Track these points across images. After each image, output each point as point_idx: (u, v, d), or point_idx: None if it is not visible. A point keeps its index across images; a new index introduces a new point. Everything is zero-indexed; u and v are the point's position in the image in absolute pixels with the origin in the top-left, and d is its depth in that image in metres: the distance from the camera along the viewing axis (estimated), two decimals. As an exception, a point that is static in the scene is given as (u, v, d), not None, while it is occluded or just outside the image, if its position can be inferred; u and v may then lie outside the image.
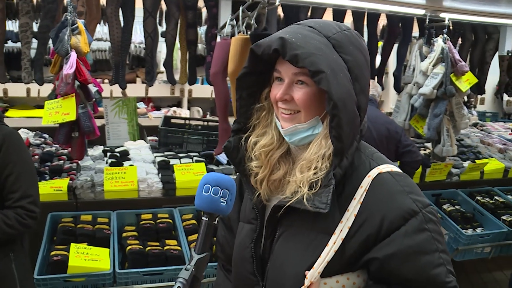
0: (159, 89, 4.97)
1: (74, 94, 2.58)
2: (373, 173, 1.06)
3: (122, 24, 3.43)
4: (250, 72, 1.12)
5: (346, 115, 1.00)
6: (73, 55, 2.55)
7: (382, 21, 4.40)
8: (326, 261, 1.03)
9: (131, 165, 3.33)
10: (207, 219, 1.03)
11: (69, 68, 2.50)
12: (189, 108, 5.86)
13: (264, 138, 1.14)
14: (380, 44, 4.27)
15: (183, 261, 2.59)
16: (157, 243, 2.75)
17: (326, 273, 1.05)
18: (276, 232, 1.13)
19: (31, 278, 2.05)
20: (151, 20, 3.38)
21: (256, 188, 1.15)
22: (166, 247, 2.69)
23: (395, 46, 4.21)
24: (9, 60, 4.59)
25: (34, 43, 3.25)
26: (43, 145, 3.63)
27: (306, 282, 1.04)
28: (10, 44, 5.05)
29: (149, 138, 4.10)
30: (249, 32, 2.87)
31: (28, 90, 3.43)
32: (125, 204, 3.04)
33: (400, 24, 4.06)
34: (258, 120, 1.16)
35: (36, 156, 3.41)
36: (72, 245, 2.55)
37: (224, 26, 3.10)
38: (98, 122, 4.27)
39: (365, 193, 1.04)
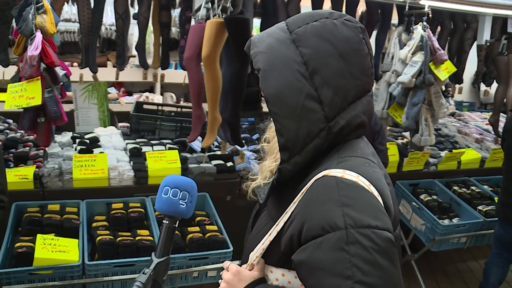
0: (131, 74, 4.88)
1: (39, 77, 2.50)
2: (320, 174, 0.98)
3: (92, 4, 3.32)
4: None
5: (284, 110, 1.00)
6: (39, 36, 2.45)
7: (361, 8, 4.39)
8: (262, 248, 1.06)
9: (101, 152, 3.26)
10: (167, 222, 1.03)
11: (34, 50, 2.41)
12: (162, 94, 5.78)
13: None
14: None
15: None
16: (129, 233, 2.70)
17: (269, 260, 1.07)
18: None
19: None
20: (122, 1, 3.29)
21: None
22: (137, 238, 2.65)
23: (374, 33, 4.21)
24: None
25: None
26: (7, 131, 3.52)
27: (248, 262, 1.10)
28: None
29: (120, 124, 4.02)
30: (224, 16, 2.81)
31: (-1, 72, 3.32)
32: (95, 193, 2.98)
33: (379, 11, 4.05)
34: None
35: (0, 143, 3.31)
36: (39, 236, 2.48)
37: (199, 9, 3.04)
38: (67, 107, 4.17)
39: (305, 191, 0.99)
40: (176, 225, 1.05)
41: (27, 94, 2.48)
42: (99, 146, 3.41)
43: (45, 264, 2.34)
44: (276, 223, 1.04)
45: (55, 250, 2.41)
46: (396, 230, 1.04)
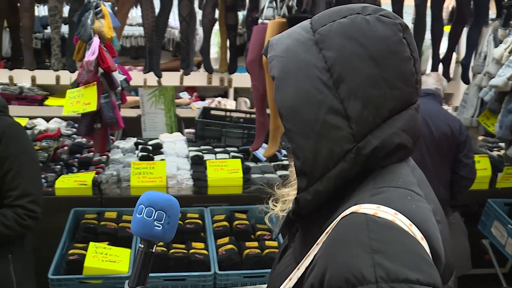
0: (198, 78, 4.96)
1: (96, 82, 2.59)
2: (349, 210, 0.83)
3: (157, 8, 3.41)
4: None
5: (300, 126, 0.87)
6: (96, 41, 2.54)
7: (451, 2, 4.12)
8: None
9: (162, 159, 3.33)
10: (143, 246, 0.95)
11: (90, 55, 2.50)
12: (235, 99, 5.82)
13: None
14: (448, 28, 4.00)
15: (208, 267, 2.54)
16: (183, 246, 2.71)
17: None
18: None
19: (32, 280, 2.06)
20: (186, 3, 3.34)
21: None
22: (191, 250, 2.65)
23: (465, 30, 3.93)
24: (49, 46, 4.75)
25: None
26: (74, 136, 3.71)
27: None
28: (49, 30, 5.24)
29: (187, 130, 4.08)
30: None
31: (57, 78, 3.50)
32: (153, 202, 3.03)
33: (471, 4, 3.77)
34: None
35: (66, 147, 3.49)
36: (91, 244, 2.56)
37: (264, 9, 3.01)
38: (134, 113, 4.34)
39: (330, 231, 0.84)
40: (154, 250, 0.97)
41: (83, 100, 2.59)
42: (161, 153, 3.48)
43: (94, 273, 2.41)
44: (298, 266, 0.91)
45: (105, 259, 2.47)
46: (450, 282, 0.88)
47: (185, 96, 5.76)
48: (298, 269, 0.90)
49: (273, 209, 1.10)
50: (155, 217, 0.93)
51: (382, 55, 0.87)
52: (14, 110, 4.42)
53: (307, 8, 2.88)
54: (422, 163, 2.99)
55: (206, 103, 5.56)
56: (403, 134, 0.89)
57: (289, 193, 1.05)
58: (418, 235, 0.79)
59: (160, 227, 0.93)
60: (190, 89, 5.92)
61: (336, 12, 0.92)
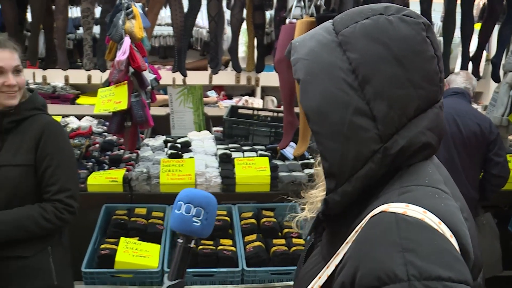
0: (226, 77, 5.00)
1: (126, 81, 2.65)
2: (377, 210, 0.84)
3: (185, 8, 3.46)
4: None
5: (327, 128, 0.88)
6: (127, 41, 2.60)
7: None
8: None
9: (191, 157, 3.38)
10: (181, 241, 0.98)
11: (121, 55, 2.56)
12: (262, 98, 5.85)
13: None
14: (478, 26, 3.94)
15: (235, 263, 2.57)
16: (211, 242, 2.75)
17: None
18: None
19: (69, 272, 2.13)
20: (214, 3, 3.38)
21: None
22: (219, 247, 2.69)
23: (496, 27, 3.86)
24: (82, 46, 4.86)
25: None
26: (105, 134, 3.79)
27: None
28: (82, 30, 5.35)
29: (215, 129, 4.13)
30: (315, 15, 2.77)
31: (89, 77, 3.59)
32: (181, 199, 3.08)
33: (504, 0, 3.70)
34: None
35: (97, 145, 3.57)
36: (122, 239, 2.62)
37: (292, 8, 3.02)
38: (163, 111, 4.40)
39: (359, 230, 0.86)
40: (192, 245, 1.00)
41: (114, 99, 2.65)
42: (190, 151, 3.53)
43: (124, 267, 2.47)
44: (327, 265, 0.92)
45: (136, 254, 2.53)
46: (478, 278, 0.88)
47: (212, 95, 5.82)
48: (327, 267, 0.91)
49: (301, 214, 1.09)
50: (193, 213, 0.96)
51: (406, 55, 0.88)
52: (48, 108, 4.56)
53: (335, 7, 2.88)
54: (451, 162, 2.97)
55: (234, 101, 5.61)
56: (428, 133, 0.90)
57: (317, 194, 1.05)
58: (447, 233, 0.80)
59: (198, 223, 0.96)
60: (218, 88, 5.98)
61: (359, 13, 0.93)
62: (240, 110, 4.19)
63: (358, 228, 0.86)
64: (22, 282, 1.95)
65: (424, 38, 0.90)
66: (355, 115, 0.87)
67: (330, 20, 0.98)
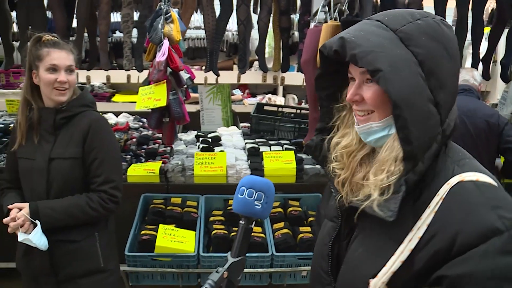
0: (252, 76, 5.04)
1: (165, 80, 2.70)
2: (453, 180, 0.95)
3: (217, 13, 3.51)
4: (324, 73, 1.11)
5: (413, 114, 0.93)
6: (166, 43, 2.66)
7: (491, 4, 4.02)
8: (391, 271, 0.97)
9: (221, 151, 3.42)
10: (243, 222, 1.02)
11: (161, 56, 2.62)
12: (284, 96, 5.88)
13: (345, 139, 1.12)
14: (487, 30, 3.92)
15: (265, 249, 2.62)
16: (242, 229, 2.80)
17: (393, 284, 0.98)
18: (353, 234, 1.11)
19: (115, 256, 2.18)
20: (244, 8, 3.42)
21: (338, 189, 1.14)
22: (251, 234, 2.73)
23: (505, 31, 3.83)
24: (118, 49, 4.94)
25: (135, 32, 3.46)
26: (141, 129, 3.86)
27: None
28: (118, 34, 5.44)
29: (242, 124, 4.18)
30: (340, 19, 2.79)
31: (128, 77, 3.67)
32: (213, 189, 3.14)
33: (512, 6, 3.68)
34: (340, 121, 1.15)
35: (134, 139, 3.64)
36: (161, 226, 2.68)
37: (316, 13, 3.04)
38: (194, 108, 4.46)
39: (440, 201, 0.94)
40: (253, 226, 1.04)
41: (154, 96, 2.70)
42: (220, 145, 3.58)
43: (164, 252, 2.53)
44: (406, 241, 0.96)
45: (174, 240, 2.59)
46: None
47: (238, 93, 5.86)
48: (410, 240, 0.96)
49: (368, 201, 1.05)
50: (255, 198, 1.00)
51: (455, 53, 0.99)
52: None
53: (358, 12, 2.89)
54: None
55: (258, 99, 5.64)
56: (457, 114, 1.05)
57: (383, 179, 1.01)
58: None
59: (259, 206, 1.00)
60: (243, 87, 6.02)
61: (409, 14, 1.00)
62: (266, 107, 4.22)
63: (437, 200, 0.94)
64: (73, 264, 2.02)
65: (455, 39, 1.02)
66: (428, 103, 0.95)
67: (370, 19, 1.03)
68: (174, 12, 2.76)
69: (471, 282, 0.87)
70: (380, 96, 0.99)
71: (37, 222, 1.92)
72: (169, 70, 2.77)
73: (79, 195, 2.01)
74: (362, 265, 1.04)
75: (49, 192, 1.99)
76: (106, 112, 4.19)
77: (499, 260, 0.85)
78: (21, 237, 1.90)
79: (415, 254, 0.94)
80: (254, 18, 3.70)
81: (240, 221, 1.03)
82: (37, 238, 1.90)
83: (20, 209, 1.93)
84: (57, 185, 1.99)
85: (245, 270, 2.59)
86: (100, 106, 5.00)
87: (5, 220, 1.92)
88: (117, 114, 4.24)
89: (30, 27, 3.37)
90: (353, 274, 1.07)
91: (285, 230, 2.73)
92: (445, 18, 3.51)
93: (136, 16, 3.44)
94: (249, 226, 1.03)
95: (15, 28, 3.51)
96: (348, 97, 1.04)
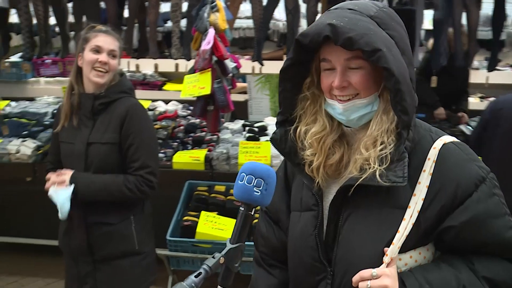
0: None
1: (210, 69, 2.71)
2: (438, 144, 1.09)
3: (264, 2, 3.48)
4: (293, 63, 1.11)
5: (406, 87, 1.02)
6: (211, 32, 2.66)
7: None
8: (405, 235, 1.05)
9: (267, 140, 3.42)
10: (243, 209, 1.00)
11: (206, 44, 2.63)
12: (335, 86, 5.77)
13: (315, 126, 1.14)
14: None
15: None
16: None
17: (402, 248, 1.06)
18: (340, 216, 1.12)
19: (150, 239, 2.21)
20: (292, -4, 3.37)
21: (312, 176, 1.15)
22: (290, 224, 2.72)
23: None
24: (169, 38, 5.02)
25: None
26: (189, 117, 3.92)
27: (386, 259, 1.04)
28: (169, 24, 5.52)
29: (289, 114, 4.14)
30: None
31: (176, 65, 3.72)
32: (257, 178, 3.14)
33: None
34: (303, 110, 1.16)
35: (181, 127, 3.70)
36: (203, 213, 2.72)
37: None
38: (242, 97, 4.47)
39: (433, 164, 1.07)
40: (253, 213, 1.03)
41: (199, 84, 2.72)
42: (266, 135, 3.57)
43: (204, 238, 2.56)
44: (410, 206, 1.06)
45: (214, 227, 2.62)
46: None
47: (288, 84, 5.82)
48: (416, 203, 1.06)
49: (368, 172, 1.07)
50: (254, 184, 0.98)
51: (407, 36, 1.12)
52: (138, 94, 4.73)
53: (408, 1, 2.78)
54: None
55: (307, 90, 5.58)
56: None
57: (365, 155, 1.08)
58: None
59: (258, 192, 0.98)
60: (292, 77, 5.97)
61: (371, 4, 1.08)
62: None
63: (430, 163, 1.07)
64: (108, 245, 2.07)
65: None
66: (409, 77, 1.05)
67: (339, 9, 1.07)
68: (220, 1, 2.76)
69: (474, 225, 1.05)
70: (367, 78, 1.06)
71: (71, 186, 1.97)
72: (214, 58, 2.78)
73: (117, 174, 2.05)
74: (366, 239, 1.08)
75: None
76: (156, 100, 4.28)
77: (488, 202, 1.06)
78: (51, 190, 1.97)
79: (421, 215, 1.06)
80: (303, 7, 3.64)
81: (240, 208, 1.02)
82: (62, 198, 1.95)
83: None
84: (95, 169, 2.03)
85: (245, 258, 2.57)
86: (152, 94, 5.16)
87: (47, 176, 2.01)
88: (167, 102, 4.32)
89: (84, 17, 3.48)
90: (354, 251, 1.09)
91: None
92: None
93: (185, 5, 3.47)
94: (249, 213, 1.01)
95: (71, 18, 3.62)
96: (336, 84, 1.06)
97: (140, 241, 2.11)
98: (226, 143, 3.44)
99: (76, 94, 2.07)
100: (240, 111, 4.14)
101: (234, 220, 2.74)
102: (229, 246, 1.00)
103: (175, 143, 3.47)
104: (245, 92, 4.48)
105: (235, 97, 4.33)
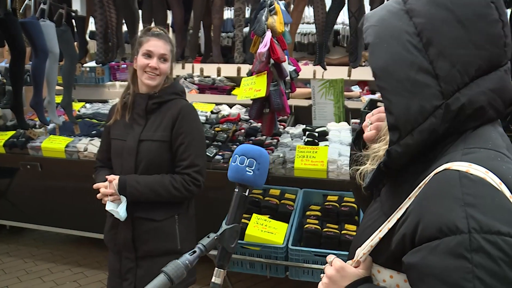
0: (365, 72, 4.82)
1: (266, 72, 2.70)
2: (442, 167, 0.84)
3: (328, 6, 3.42)
4: None
5: (393, 84, 0.89)
6: (268, 35, 2.64)
7: None
8: (371, 245, 0.95)
9: (326, 145, 3.34)
10: (237, 190, 1.02)
11: (262, 47, 2.61)
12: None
13: None
14: None
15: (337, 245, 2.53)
16: (336, 226, 2.70)
17: (377, 259, 0.96)
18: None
19: (193, 240, 2.23)
20: (355, 0, 3.28)
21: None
22: (343, 231, 2.62)
23: None
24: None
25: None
26: (251, 121, 3.93)
27: (354, 258, 0.99)
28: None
29: (353, 120, 4.02)
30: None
31: (238, 69, 3.76)
32: (313, 183, 3.07)
33: None
34: None
35: (243, 130, 3.72)
36: (254, 215, 2.70)
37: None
38: (306, 102, 4.42)
39: (423, 186, 0.86)
40: (247, 194, 1.03)
41: (255, 87, 2.71)
42: (326, 140, 3.49)
43: (253, 240, 2.54)
44: (388, 219, 0.93)
45: (264, 230, 2.59)
46: None
47: (356, 89, 5.68)
48: (388, 221, 0.93)
49: (364, 167, 1.08)
50: (247, 164, 1.00)
51: (469, 18, 0.88)
52: (207, 97, 4.86)
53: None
54: None
55: (377, 96, 5.40)
56: (490, 94, 0.88)
57: (380, 148, 1.03)
58: (508, 193, 0.78)
59: (251, 172, 1.02)
60: (362, 83, 5.82)
61: None
62: (379, 104, 4.01)
63: (422, 184, 0.87)
64: (151, 242, 2.11)
65: (488, 3, 0.89)
66: (419, 73, 0.88)
67: None
68: (278, 4, 2.74)
69: (414, 273, 0.82)
70: None
71: (123, 197, 2.05)
72: (271, 61, 2.76)
73: (164, 174, 2.10)
74: (360, 234, 1.06)
75: (137, 171, 2.10)
76: (221, 104, 4.34)
77: (445, 260, 0.76)
78: (109, 206, 2.05)
79: (393, 234, 0.90)
80: (367, 10, 3.53)
81: (235, 189, 1.03)
82: (122, 211, 2.04)
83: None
84: (145, 165, 2.09)
85: (262, 259, 2.52)
86: (220, 98, 5.24)
87: (96, 185, 2.09)
88: (232, 106, 4.37)
89: (153, 23, 3.62)
90: (355, 240, 1.08)
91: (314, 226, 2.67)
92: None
93: (248, 10, 3.50)
94: (243, 193, 1.02)
95: (140, 25, 3.80)
96: None
97: (182, 240, 2.13)
98: (284, 147, 3.41)
99: (131, 94, 2.16)
100: (304, 116, 4.09)
101: (285, 224, 2.71)
102: (224, 227, 1.03)
103: (234, 146, 3.48)
104: (310, 98, 4.41)
105: (298, 102, 4.30)
